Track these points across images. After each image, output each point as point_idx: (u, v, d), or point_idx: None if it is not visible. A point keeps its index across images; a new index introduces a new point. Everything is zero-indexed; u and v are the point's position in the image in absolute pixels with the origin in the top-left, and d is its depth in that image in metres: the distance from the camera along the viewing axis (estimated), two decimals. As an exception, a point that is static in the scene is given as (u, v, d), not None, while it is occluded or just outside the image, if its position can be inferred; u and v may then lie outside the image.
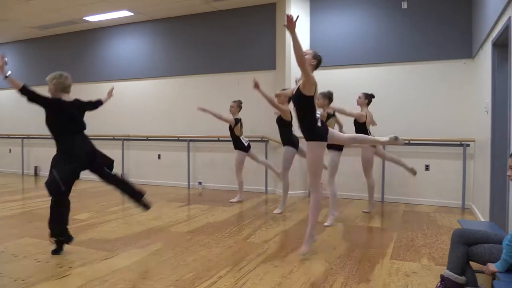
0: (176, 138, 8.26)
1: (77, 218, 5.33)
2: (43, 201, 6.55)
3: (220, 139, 7.74)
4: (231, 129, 6.36)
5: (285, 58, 7.03)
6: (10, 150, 10.78)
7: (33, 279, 3.15)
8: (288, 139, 5.57)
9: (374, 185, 5.79)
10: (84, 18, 8.48)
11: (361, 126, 5.42)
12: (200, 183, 7.95)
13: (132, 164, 8.87)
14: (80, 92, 9.44)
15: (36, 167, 10.22)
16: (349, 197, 6.83)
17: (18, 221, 5.19)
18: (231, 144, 6.54)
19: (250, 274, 3.29)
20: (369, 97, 5.58)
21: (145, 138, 8.62)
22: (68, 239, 3.83)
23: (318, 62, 3.83)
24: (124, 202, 6.80)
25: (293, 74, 6.95)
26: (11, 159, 10.73)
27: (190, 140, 8.15)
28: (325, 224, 4.94)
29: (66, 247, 3.86)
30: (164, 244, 4.14)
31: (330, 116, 5.09)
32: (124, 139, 8.86)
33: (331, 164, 5.11)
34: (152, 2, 7.53)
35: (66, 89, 3.94)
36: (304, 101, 3.66)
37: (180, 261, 3.61)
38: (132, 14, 8.21)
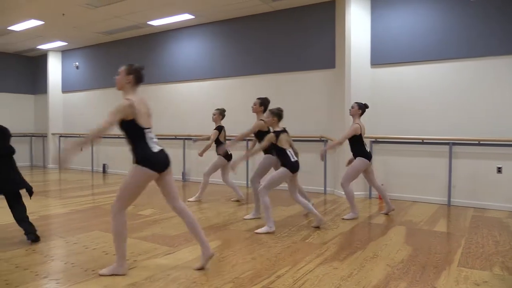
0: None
1: (141, 214, 5.58)
2: (110, 197, 6.94)
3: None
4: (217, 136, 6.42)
5: (345, 56, 6.88)
6: (81, 148, 11.49)
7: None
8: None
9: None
10: (148, 22, 8.86)
11: (356, 140, 5.28)
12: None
13: (192, 164, 9.12)
14: (143, 93, 9.94)
15: (104, 165, 10.85)
16: (411, 199, 6.56)
17: (88, 215, 5.52)
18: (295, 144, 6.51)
19: (309, 275, 3.26)
20: (362, 107, 5.37)
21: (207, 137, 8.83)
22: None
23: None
24: (185, 201, 7.02)
25: (353, 72, 6.80)
26: (82, 157, 11.47)
27: (249, 140, 8.22)
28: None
29: (131, 241, 4.04)
30: (223, 242, 4.21)
31: (279, 133, 4.71)
32: (185, 139, 9.14)
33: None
34: (212, 4, 7.71)
35: None
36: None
37: (239, 259, 3.65)
38: (193, 17, 8.45)
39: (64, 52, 12.04)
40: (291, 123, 6.33)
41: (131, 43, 10.25)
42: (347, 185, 5.28)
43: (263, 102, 5.40)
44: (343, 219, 5.28)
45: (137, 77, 3.35)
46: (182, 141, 9.20)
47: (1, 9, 7.94)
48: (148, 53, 9.91)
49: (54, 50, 11.89)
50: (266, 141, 4.72)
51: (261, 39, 8.15)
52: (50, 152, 12.09)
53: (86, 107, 11.52)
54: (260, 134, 5.23)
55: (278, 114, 4.74)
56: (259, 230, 4.61)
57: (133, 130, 3.17)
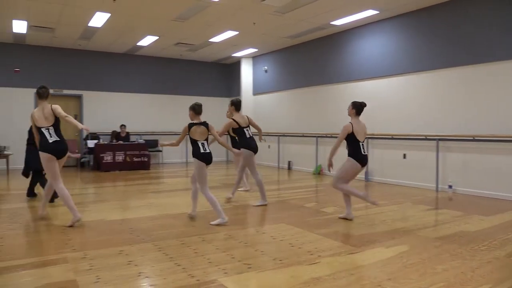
0: (423, 137, 7.76)
1: (324, 211, 5.67)
2: (295, 193, 7.27)
3: (476, 138, 6.86)
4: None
5: None
6: (269, 146, 12.41)
7: (288, 261, 3.50)
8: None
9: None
10: (331, 22, 8.95)
11: (350, 140, 4.94)
12: (450, 186, 7.26)
13: (376, 163, 8.84)
14: (328, 93, 10.10)
15: (289, 162, 11.44)
16: None
17: (275, 208, 5.90)
18: (487, 144, 5.72)
19: (518, 297, 2.77)
20: (357, 107, 5.00)
21: (390, 137, 8.44)
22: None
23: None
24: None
25: None
26: (269, 154, 12.36)
27: (440, 139, 7.51)
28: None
29: (315, 237, 4.13)
30: (410, 248, 3.93)
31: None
32: (369, 138, 8.91)
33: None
34: (399, -4, 7.32)
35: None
36: None
37: (428, 268, 3.35)
38: (377, 12, 8.17)
39: (254, 58, 13.19)
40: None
41: (314, 44, 10.54)
42: (338, 186, 5.03)
43: (233, 104, 6.05)
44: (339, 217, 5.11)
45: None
46: (365, 140, 8.98)
47: (205, 25, 9.17)
48: (331, 52, 10.03)
49: (246, 56, 13.13)
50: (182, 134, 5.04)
51: (453, 28, 7.32)
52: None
53: (274, 107, 12.37)
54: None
55: (193, 108, 5.01)
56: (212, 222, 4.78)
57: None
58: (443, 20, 7.49)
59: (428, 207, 6.04)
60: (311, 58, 10.68)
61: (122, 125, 11.67)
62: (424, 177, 7.82)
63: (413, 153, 8.08)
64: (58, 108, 4.78)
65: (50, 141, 4.65)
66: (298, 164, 11.19)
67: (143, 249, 3.82)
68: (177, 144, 5.13)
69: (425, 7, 7.77)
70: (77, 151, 11.47)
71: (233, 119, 6.03)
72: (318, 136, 10.29)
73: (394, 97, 8.44)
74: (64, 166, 11.07)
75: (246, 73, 13.32)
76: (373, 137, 8.81)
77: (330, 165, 5.00)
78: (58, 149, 4.69)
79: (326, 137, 10.05)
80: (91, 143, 11.16)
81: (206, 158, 4.86)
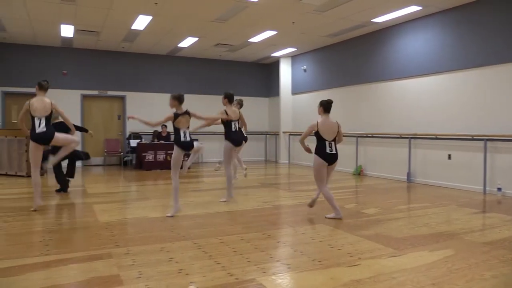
0: (470, 137, 7.43)
1: (364, 212, 5.55)
2: (335, 193, 7.14)
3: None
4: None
5: None
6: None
7: (327, 262, 3.45)
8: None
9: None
10: (372, 20, 8.76)
11: (317, 137, 5.17)
12: (499, 189, 6.92)
13: (418, 164, 8.57)
14: (369, 92, 9.90)
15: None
16: None
17: (314, 209, 5.81)
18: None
19: None
20: (323, 105, 5.19)
21: (434, 136, 8.15)
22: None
23: None
24: (410, 202, 6.66)
25: None
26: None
27: (488, 139, 7.17)
28: None
29: (355, 239, 4.06)
30: (456, 252, 3.77)
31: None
32: (411, 138, 8.65)
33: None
34: (444, -9, 7.05)
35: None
36: None
37: (476, 274, 3.20)
38: (420, 8, 7.91)
39: (293, 57, 13.13)
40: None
41: (354, 42, 10.35)
42: (320, 188, 5.18)
43: (226, 96, 6.29)
44: (326, 217, 5.13)
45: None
46: (407, 140, 8.74)
47: (244, 26, 9.22)
48: (372, 51, 9.81)
49: (285, 56, 13.09)
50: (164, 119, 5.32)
51: (502, 23, 6.96)
52: (281, 149, 13.38)
53: (313, 107, 12.25)
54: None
55: (178, 98, 5.26)
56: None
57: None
58: (491, 15, 7.16)
59: (474, 210, 5.79)
60: (351, 57, 10.51)
61: (163, 125, 11.95)
62: (470, 178, 7.50)
63: (458, 153, 7.77)
64: (57, 106, 5.60)
65: (37, 131, 5.35)
66: (337, 164, 11.00)
67: (184, 247, 3.89)
68: (154, 125, 5.57)
69: (471, 1, 7.45)
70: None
71: (225, 110, 6.28)
72: (358, 136, 10.10)
73: (438, 96, 8.14)
74: (107, 165, 11.50)
75: (285, 72, 13.28)
76: (416, 137, 8.54)
77: (307, 149, 5.37)
78: (42, 138, 5.39)
79: (367, 137, 9.85)
80: (133, 143, 11.50)
81: (184, 146, 5.26)
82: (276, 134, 13.77)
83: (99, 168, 11.43)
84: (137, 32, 9.87)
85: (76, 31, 9.75)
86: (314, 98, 12.19)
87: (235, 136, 6.31)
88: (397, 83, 9.13)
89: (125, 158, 12.14)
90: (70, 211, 5.64)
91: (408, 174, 8.66)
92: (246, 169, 7.83)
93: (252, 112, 14.07)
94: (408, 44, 8.85)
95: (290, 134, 13.12)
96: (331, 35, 10.21)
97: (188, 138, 5.28)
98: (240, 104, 7.49)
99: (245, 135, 7.63)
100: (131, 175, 10.03)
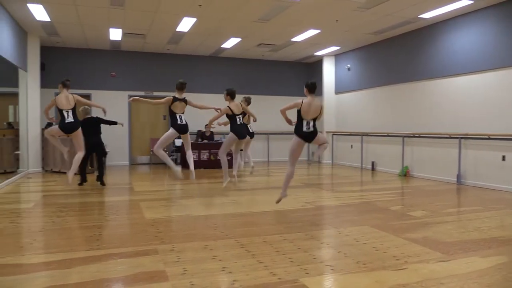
0: (526, 137, 7.02)
1: (411, 214, 5.38)
2: (380, 194, 7.00)
3: None
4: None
5: None
6: (351, 146, 12.10)
7: (372, 265, 3.37)
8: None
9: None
10: (420, 16, 8.46)
11: (297, 115, 5.21)
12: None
13: (469, 165, 8.18)
14: (415, 90, 9.57)
15: (373, 162, 11.05)
16: None
17: (359, 210, 5.72)
18: None
19: None
20: (308, 86, 5.24)
21: (487, 137, 7.75)
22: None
23: None
24: (460, 205, 6.39)
25: None
26: (352, 154, 12.05)
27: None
28: None
29: (401, 241, 3.94)
30: (511, 259, 3.57)
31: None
32: (462, 138, 8.28)
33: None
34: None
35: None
36: None
37: (534, 282, 3.02)
38: (471, 2, 7.55)
39: (337, 56, 12.93)
40: None
41: (400, 40, 10.05)
42: (289, 166, 5.32)
43: (228, 93, 6.95)
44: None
45: None
46: (457, 140, 8.37)
47: (287, 25, 9.19)
48: (419, 48, 9.48)
49: (328, 55, 12.92)
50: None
51: None
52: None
53: (357, 106, 12.03)
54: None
55: (179, 85, 6.28)
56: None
57: None
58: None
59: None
60: (396, 55, 10.21)
61: (207, 124, 12.13)
62: None
63: (513, 154, 7.35)
64: (79, 97, 6.69)
65: (66, 122, 6.46)
66: (383, 165, 10.76)
67: (227, 245, 3.93)
68: (153, 104, 6.49)
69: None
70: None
71: (228, 106, 6.84)
72: (405, 136, 9.79)
73: (491, 94, 7.73)
74: (153, 163, 11.80)
75: (328, 71, 13.11)
76: (467, 137, 8.16)
77: (289, 121, 5.40)
78: (70, 128, 6.52)
79: (414, 137, 9.53)
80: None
81: (180, 129, 6.04)
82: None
83: (145, 167, 11.79)
84: (182, 34, 10.08)
85: (124, 34, 10.11)
86: (358, 97, 11.96)
87: (239, 129, 6.85)
88: (446, 81, 8.76)
89: (171, 157, 12.42)
90: (118, 207, 5.85)
91: (458, 176, 8.30)
92: (253, 167, 8.57)
93: (295, 111, 14.00)
94: (457, 40, 8.48)
95: (333, 134, 12.94)
96: (376, 33, 9.97)
97: (184, 122, 6.12)
98: (248, 102, 8.11)
99: (252, 131, 8.49)
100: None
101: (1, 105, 10.27)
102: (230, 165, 7.69)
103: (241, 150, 8.14)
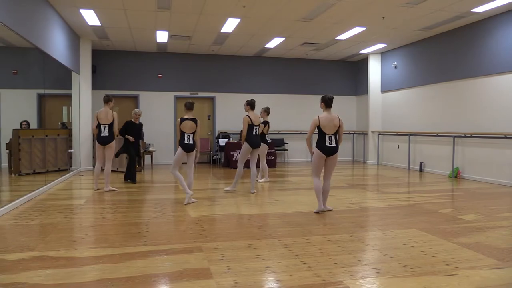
0: None
1: (462, 218, 5.14)
2: (428, 197, 6.75)
3: None
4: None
5: None
6: (398, 146, 11.75)
7: (420, 270, 3.25)
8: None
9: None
10: (473, 10, 8.07)
11: (318, 131, 5.33)
12: None
13: (526, 167, 7.72)
14: (467, 88, 9.15)
15: (421, 163, 10.67)
16: None
17: (406, 212, 5.54)
18: None
19: None
20: (325, 100, 5.34)
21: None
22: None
23: None
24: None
25: None
26: (399, 155, 11.69)
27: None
28: None
29: (451, 246, 3.78)
30: None
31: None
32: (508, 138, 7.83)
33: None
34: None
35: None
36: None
37: None
38: (532, -7, 7.12)
39: (383, 53, 12.60)
40: None
41: (451, 35, 9.63)
42: (314, 178, 5.44)
43: (248, 103, 7.16)
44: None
45: None
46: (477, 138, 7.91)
47: (331, 23, 9.06)
48: (471, 43, 9.04)
49: (374, 53, 12.60)
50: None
51: None
52: (369, 149, 12.94)
53: (404, 105, 11.67)
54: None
55: (187, 105, 6.19)
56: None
57: None
58: None
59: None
60: (446, 51, 9.79)
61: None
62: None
63: None
64: (116, 115, 7.27)
65: (102, 135, 7.04)
66: (431, 166, 10.37)
67: (270, 245, 3.94)
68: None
69: None
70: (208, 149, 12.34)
71: (248, 115, 6.99)
72: (456, 136, 9.37)
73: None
74: (197, 162, 11.97)
75: (374, 69, 12.80)
76: (524, 137, 7.70)
77: (311, 151, 5.47)
78: (104, 141, 7.05)
79: (465, 137, 9.10)
80: (222, 142, 11.92)
81: (186, 148, 6.05)
82: (364, 134, 13.34)
83: (190, 166, 12.03)
84: (226, 35, 10.20)
85: (170, 36, 10.36)
86: (405, 96, 11.60)
87: (254, 139, 6.98)
88: (500, 78, 8.30)
89: (214, 157, 12.63)
90: (164, 205, 6.00)
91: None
92: (261, 181, 8.61)
93: (339, 111, 13.70)
94: (515, 34, 8.01)
95: (379, 134, 12.63)
96: (425, 29, 9.62)
97: (191, 142, 6.09)
98: (267, 112, 8.48)
99: (269, 141, 8.73)
100: (219, 172, 10.40)
101: (56, 106, 10.83)
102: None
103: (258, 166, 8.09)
